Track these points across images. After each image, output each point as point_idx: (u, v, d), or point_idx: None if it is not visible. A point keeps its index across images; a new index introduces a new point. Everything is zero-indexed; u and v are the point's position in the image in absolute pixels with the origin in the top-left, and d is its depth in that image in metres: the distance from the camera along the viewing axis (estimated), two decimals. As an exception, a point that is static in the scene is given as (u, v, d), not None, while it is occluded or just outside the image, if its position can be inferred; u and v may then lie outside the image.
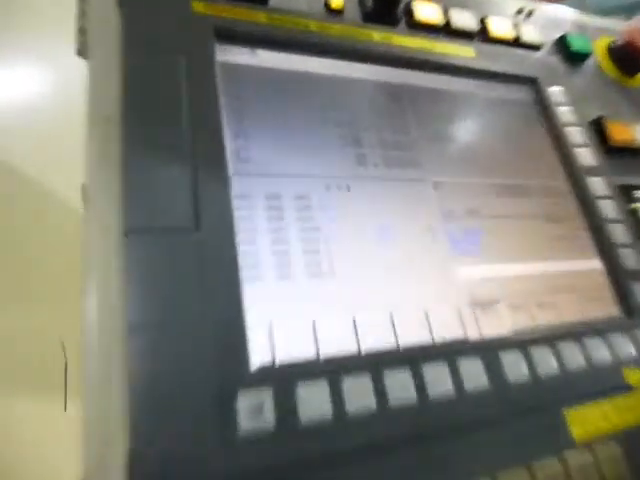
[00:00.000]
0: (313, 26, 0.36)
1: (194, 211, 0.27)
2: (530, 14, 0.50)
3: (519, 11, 0.49)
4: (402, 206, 0.34)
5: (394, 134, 0.37)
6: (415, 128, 0.38)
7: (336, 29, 0.37)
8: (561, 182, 0.41)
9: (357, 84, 0.37)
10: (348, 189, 0.33)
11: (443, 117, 0.39)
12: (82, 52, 0.34)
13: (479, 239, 0.36)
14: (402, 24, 0.41)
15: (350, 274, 0.30)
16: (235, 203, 0.29)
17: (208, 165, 0.29)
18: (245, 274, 0.28)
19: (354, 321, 0.29)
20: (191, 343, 0.25)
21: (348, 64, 0.38)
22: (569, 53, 0.48)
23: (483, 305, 0.34)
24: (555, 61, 0.47)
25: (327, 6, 0.39)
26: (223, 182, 0.29)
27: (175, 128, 0.29)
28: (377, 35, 0.39)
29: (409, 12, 0.41)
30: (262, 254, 0.29)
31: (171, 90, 0.30)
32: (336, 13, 0.39)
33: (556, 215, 0.40)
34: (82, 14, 0.34)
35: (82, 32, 0.34)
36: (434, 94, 0.40)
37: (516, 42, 0.46)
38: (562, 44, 0.49)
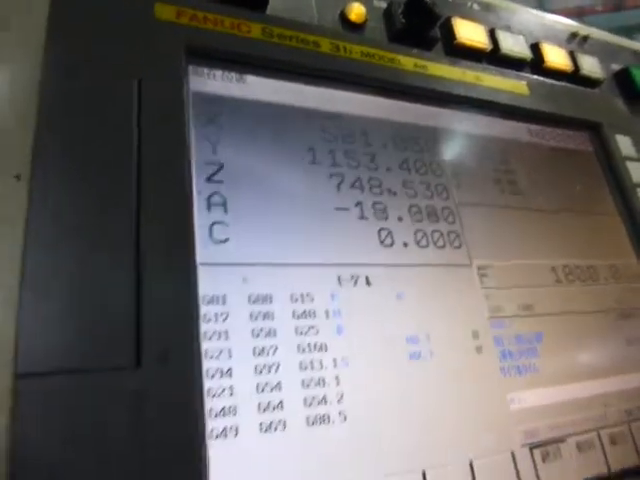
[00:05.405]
0: (325, 45, 0.27)
1: (135, 335, 0.17)
2: (585, 40, 0.40)
3: (573, 35, 0.40)
4: (439, 305, 0.24)
5: (429, 198, 0.27)
6: (456, 189, 0.28)
7: (356, 51, 0.28)
8: (634, 260, 0.32)
9: (380, 127, 0.27)
10: (367, 282, 0.23)
11: (488, 174, 0.30)
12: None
13: (537, 347, 0.26)
14: (438, 47, 0.32)
15: (368, 417, 0.21)
16: (203, 311, 0.19)
17: (162, 252, 0.19)
18: (213, 425, 0.18)
19: (372, 491, 0.20)
20: None
21: (368, 99, 0.28)
22: (634, 90, 0.39)
23: (544, 446, 0.24)
24: (619, 101, 0.38)
25: (344, 19, 0.29)
26: (186, 278, 0.19)
27: (114, 194, 0.19)
28: (408, 61, 0.29)
29: (448, 32, 0.32)
30: (241, 391, 0.19)
31: (112, 132, 0.20)
32: (355, 29, 0.29)
33: (631, 306, 0.30)
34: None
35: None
36: (480, 142, 0.30)
37: (574, 75, 0.36)
38: (624, 79, 0.39)
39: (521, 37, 0.35)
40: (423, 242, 0.25)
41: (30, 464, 0.15)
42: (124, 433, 0.16)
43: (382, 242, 0.24)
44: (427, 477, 0.21)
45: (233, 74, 0.25)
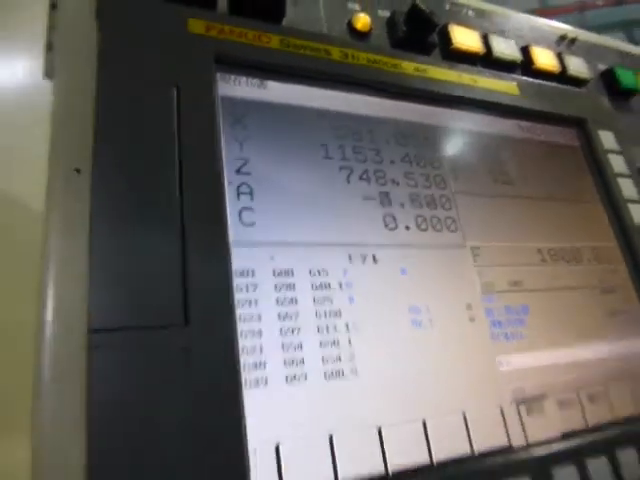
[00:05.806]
0: (335, 53, 0.30)
1: (182, 299, 0.21)
2: (573, 42, 0.44)
3: (562, 38, 0.43)
4: (437, 281, 0.28)
5: (428, 188, 0.30)
6: (453, 180, 0.31)
7: (362, 57, 0.31)
8: (614, 243, 0.36)
9: (384, 125, 0.31)
10: (374, 260, 0.27)
11: (482, 166, 0.33)
12: (50, 74, 0.28)
13: (524, 318, 0.30)
14: (436, 52, 0.35)
15: (376, 373, 0.24)
16: (235, 282, 0.23)
17: (202, 233, 0.22)
18: (246, 377, 0.22)
19: (380, 435, 0.23)
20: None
21: (374, 101, 0.31)
22: (618, 89, 0.42)
23: (529, 402, 0.28)
24: (603, 99, 0.41)
25: (351, 28, 0.33)
26: (221, 255, 0.23)
27: (161, 184, 0.23)
28: (409, 66, 0.33)
29: (445, 38, 0.35)
30: (268, 349, 0.23)
31: (157, 132, 0.24)
32: (361, 36, 0.33)
33: (611, 284, 0.34)
34: (51, 25, 0.28)
35: (49, 48, 0.27)
36: (474, 138, 0.34)
37: (561, 76, 0.40)
38: (609, 78, 0.43)
39: (512, 41, 0.38)
40: (423, 226, 0.29)
41: (101, 409, 0.19)
42: (175, 383, 0.20)
43: (387, 226, 0.28)
44: (427, 425, 0.25)
45: (255, 80, 0.28)
